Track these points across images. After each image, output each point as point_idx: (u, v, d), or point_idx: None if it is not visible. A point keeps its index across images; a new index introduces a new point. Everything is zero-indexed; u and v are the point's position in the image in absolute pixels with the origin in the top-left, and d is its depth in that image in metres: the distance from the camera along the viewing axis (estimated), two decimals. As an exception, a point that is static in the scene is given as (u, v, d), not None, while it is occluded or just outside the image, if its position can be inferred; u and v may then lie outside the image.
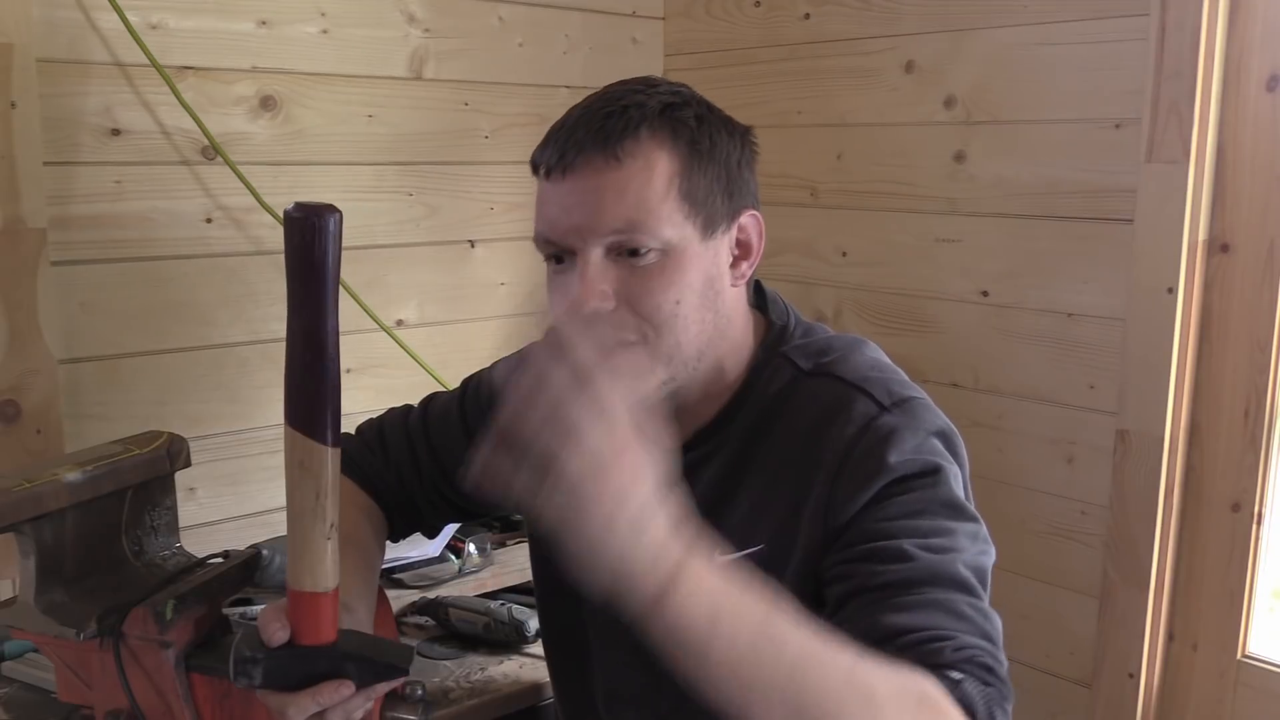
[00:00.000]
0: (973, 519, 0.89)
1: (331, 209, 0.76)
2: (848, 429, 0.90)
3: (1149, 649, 1.48)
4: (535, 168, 0.94)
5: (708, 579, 0.69)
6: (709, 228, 0.92)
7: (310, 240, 0.75)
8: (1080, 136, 1.50)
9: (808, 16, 1.82)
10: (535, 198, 0.94)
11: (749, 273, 0.97)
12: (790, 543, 0.91)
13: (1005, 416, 1.62)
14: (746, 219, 0.96)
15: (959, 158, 1.64)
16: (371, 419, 1.22)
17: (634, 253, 0.89)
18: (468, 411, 1.16)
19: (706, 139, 0.92)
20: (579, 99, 0.95)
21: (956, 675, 0.75)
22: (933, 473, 0.88)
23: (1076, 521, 1.55)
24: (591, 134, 0.89)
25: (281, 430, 0.80)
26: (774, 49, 1.87)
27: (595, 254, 0.89)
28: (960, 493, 0.90)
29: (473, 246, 1.83)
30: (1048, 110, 1.53)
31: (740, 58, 1.92)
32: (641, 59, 1.99)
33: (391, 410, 1.23)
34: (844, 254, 1.81)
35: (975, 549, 0.87)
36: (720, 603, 0.69)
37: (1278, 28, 1.36)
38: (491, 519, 1.66)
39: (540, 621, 1.17)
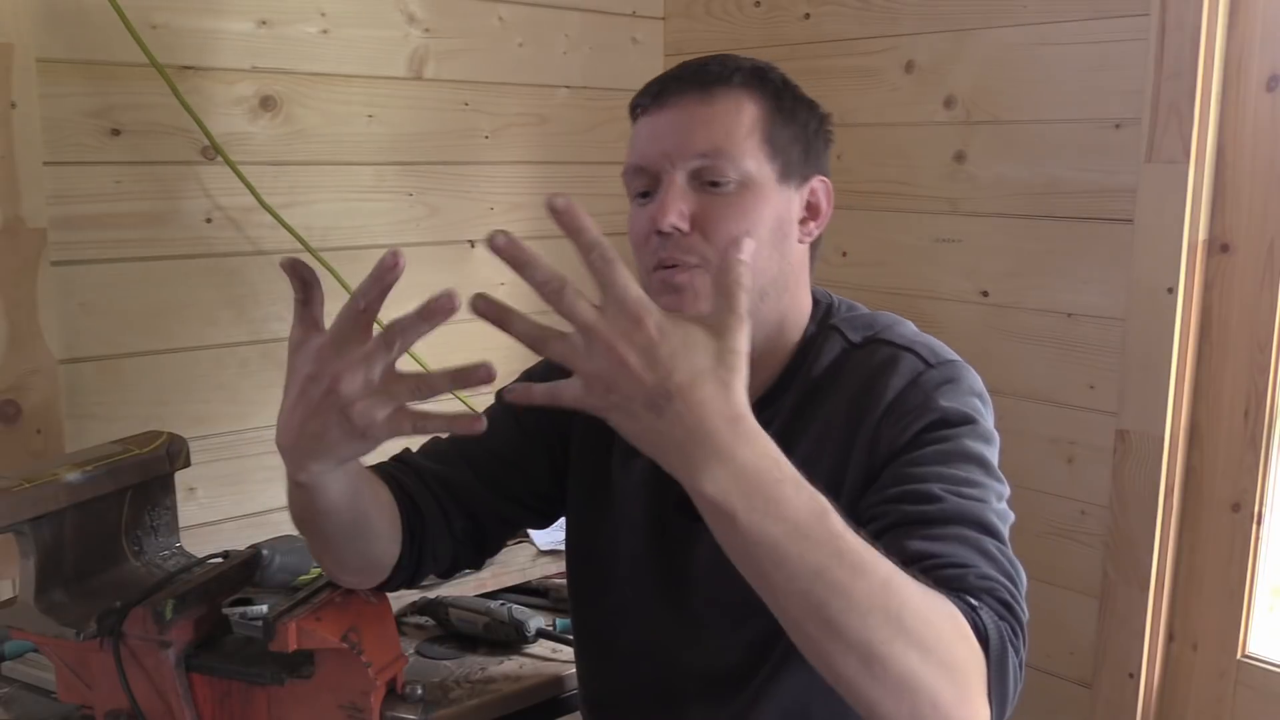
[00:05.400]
0: (1000, 480, 0.91)
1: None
2: (896, 380, 0.95)
3: (1149, 649, 1.48)
4: (633, 111, 1.01)
5: (770, 440, 0.71)
6: (785, 175, 0.98)
7: None
8: (1080, 136, 1.50)
9: (808, 16, 1.82)
10: (628, 141, 1.01)
11: (815, 233, 1.02)
12: (835, 492, 0.91)
13: (1005, 416, 1.61)
14: (818, 183, 1.02)
15: (959, 158, 1.64)
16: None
17: (714, 184, 0.94)
18: (500, 414, 1.08)
19: (790, 100, 1.00)
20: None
21: (974, 601, 0.77)
22: (970, 422, 0.92)
23: (1076, 521, 1.55)
24: (689, 75, 0.98)
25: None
26: (774, 49, 1.87)
27: (679, 177, 0.95)
28: (990, 457, 0.93)
29: (473, 246, 1.82)
30: (1048, 110, 1.53)
31: (740, 58, 1.92)
32: (641, 59, 1.99)
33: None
34: (844, 254, 1.81)
35: (1001, 507, 0.90)
36: (786, 469, 0.71)
37: (1278, 28, 1.36)
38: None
39: (573, 618, 1.17)
